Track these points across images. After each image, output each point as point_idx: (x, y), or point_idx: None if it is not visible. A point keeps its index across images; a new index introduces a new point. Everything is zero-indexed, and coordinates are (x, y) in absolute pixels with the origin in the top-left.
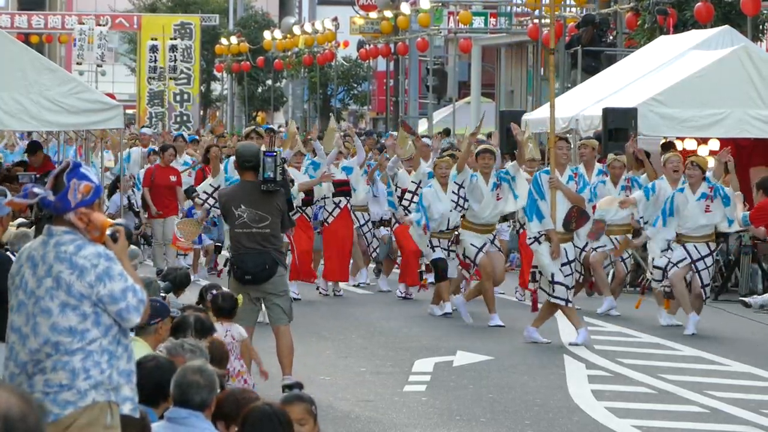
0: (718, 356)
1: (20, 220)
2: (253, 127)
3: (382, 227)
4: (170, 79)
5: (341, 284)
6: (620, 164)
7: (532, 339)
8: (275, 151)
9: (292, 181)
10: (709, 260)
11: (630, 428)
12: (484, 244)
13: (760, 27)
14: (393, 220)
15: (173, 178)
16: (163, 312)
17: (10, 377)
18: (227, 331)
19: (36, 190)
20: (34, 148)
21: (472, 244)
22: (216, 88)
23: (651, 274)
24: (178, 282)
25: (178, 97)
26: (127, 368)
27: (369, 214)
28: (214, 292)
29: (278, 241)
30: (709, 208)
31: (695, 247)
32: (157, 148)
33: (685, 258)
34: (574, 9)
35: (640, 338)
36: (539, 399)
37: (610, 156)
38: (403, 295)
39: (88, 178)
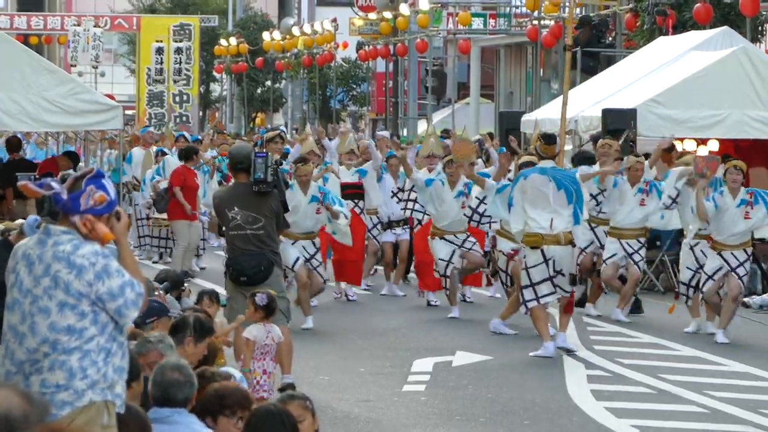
0: (716, 356)
1: (20, 221)
2: (278, 131)
3: (389, 229)
4: (173, 81)
5: (354, 289)
6: (641, 166)
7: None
8: (266, 152)
9: (286, 182)
10: (747, 265)
11: (629, 428)
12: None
13: (759, 28)
14: (415, 223)
15: (198, 180)
16: (160, 311)
17: (6, 376)
18: (268, 333)
19: (53, 184)
20: (73, 158)
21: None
22: (215, 89)
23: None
24: (172, 283)
25: (177, 98)
26: (122, 365)
27: (378, 217)
28: (267, 295)
29: (273, 243)
30: (748, 215)
31: (732, 254)
32: (167, 149)
33: (721, 267)
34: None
35: (640, 338)
36: (538, 399)
37: (632, 158)
38: (434, 302)
39: (106, 190)
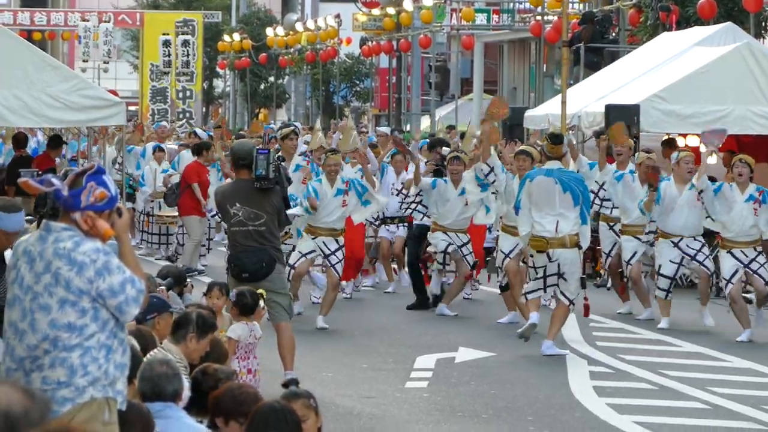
0: (719, 352)
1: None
2: (293, 128)
3: (383, 225)
4: (181, 74)
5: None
6: (651, 163)
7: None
8: (268, 149)
9: (289, 179)
10: (761, 258)
11: (631, 424)
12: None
13: (763, 24)
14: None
15: (209, 177)
16: (160, 307)
17: (7, 372)
18: (251, 332)
19: (54, 180)
20: (56, 143)
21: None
22: (218, 84)
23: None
24: (175, 279)
25: (180, 94)
26: (122, 361)
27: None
28: (237, 291)
29: (275, 239)
30: (756, 212)
31: (743, 252)
32: (163, 145)
33: (737, 269)
34: (577, 5)
35: (642, 334)
36: (541, 395)
37: (642, 155)
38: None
39: (107, 187)
